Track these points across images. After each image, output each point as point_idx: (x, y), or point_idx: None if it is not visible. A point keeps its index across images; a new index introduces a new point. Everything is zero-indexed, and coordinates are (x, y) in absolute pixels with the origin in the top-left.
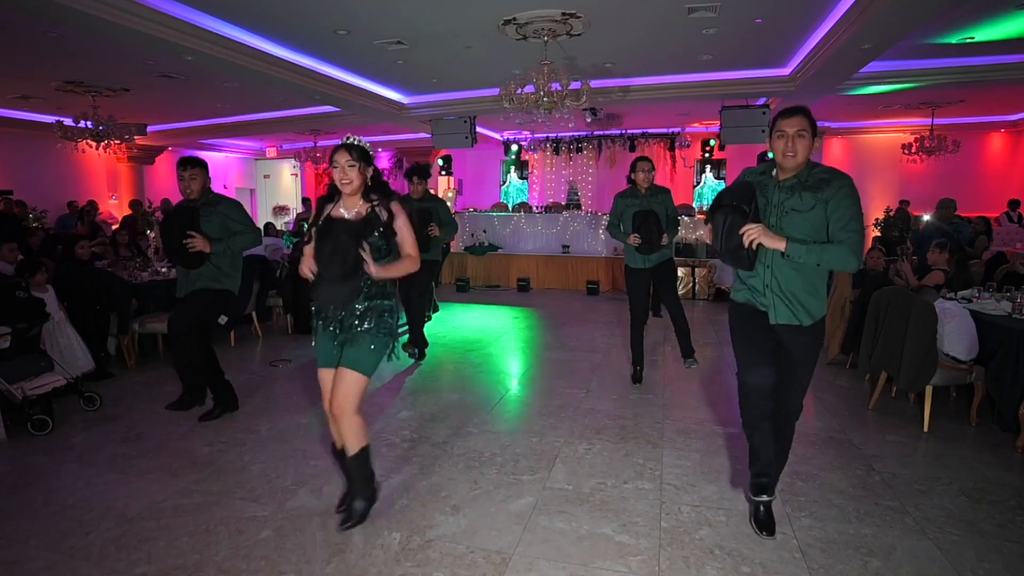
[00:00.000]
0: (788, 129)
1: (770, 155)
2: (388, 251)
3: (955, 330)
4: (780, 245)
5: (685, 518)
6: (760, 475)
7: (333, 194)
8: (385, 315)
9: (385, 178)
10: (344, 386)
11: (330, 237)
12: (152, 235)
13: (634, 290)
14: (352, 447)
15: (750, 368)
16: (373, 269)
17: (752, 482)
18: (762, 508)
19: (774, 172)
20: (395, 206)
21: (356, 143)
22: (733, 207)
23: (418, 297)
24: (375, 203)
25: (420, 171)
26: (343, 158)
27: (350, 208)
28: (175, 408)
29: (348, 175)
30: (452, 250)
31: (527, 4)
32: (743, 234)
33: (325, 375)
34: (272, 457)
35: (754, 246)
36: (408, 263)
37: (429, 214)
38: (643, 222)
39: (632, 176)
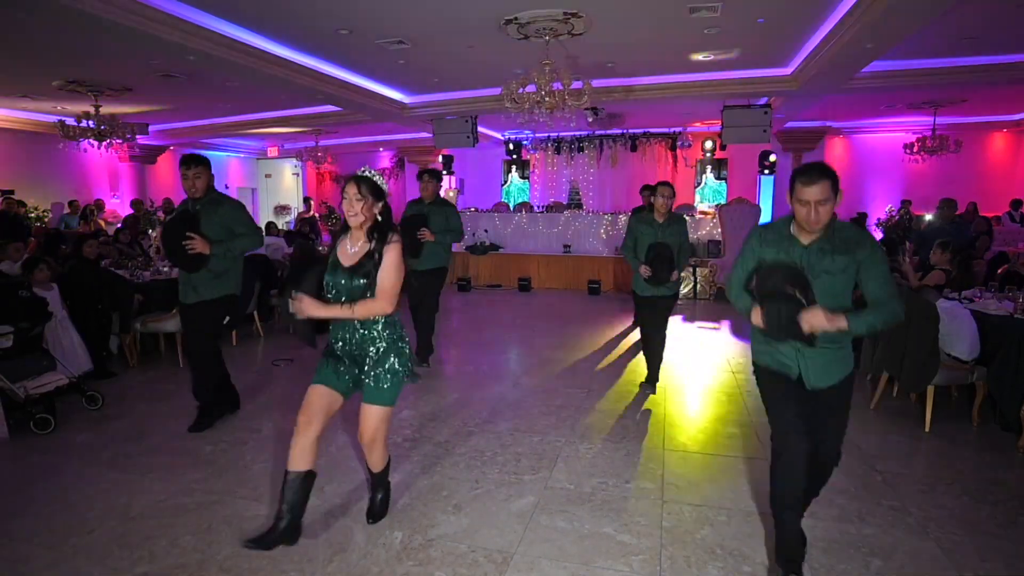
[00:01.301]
0: (810, 198)
1: (768, 161)
2: (368, 289)
3: (956, 330)
4: (842, 324)
5: (686, 517)
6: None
7: (346, 226)
8: (399, 344)
9: (386, 178)
10: (374, 420)
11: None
12: (154, 234)
13: (641, 313)
14: (379, 466)
15: (789, 436)
16: (355, 313)
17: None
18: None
19: (793, 230)
20: (387, 249)
21: (368, 176)
22: (786, 297)
23: (429, 309)
24: (372, 245)
25: (432, 171)
26: (351, 190)
27: (355, 242)
28: (196, 429)
29: (354, 207)
30: (453, 250)
31: (529, 3)
32: (802, 323)
33: (318, 391)
34: (274, 456)
35: (817, 332)
36: (373, 304)
37: (423, 219)
38: (657, 257)
39: (651, 199)
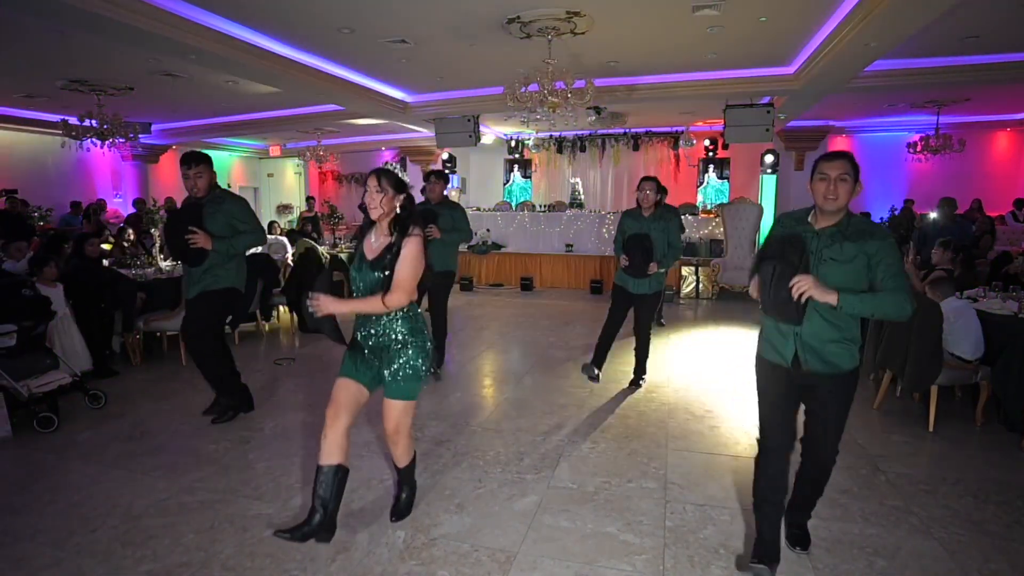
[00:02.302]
0: (831, 172)
1: (767, 161)
2: (388, 283)
3: (961, 329)
4: (832, 299)
5: (690, 517)
6: (759, 556)
7: (372, 220)
8: (418, 338)
9: None
10: (396, 415)
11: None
12: (157, 233)
13: (615, 305)
14: (404, 461)
15: (773, 436)
16: (369, 306)
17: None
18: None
19: (810, 219)
20: (406, 242)
21: (389, 169)
22: (781, 258)
23: (441, 315)
24: (392, 240)
25: (438, 172)
26: (372, 182)
27: (379, 236)
28: (217, 420)
29: (374, 199)
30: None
31: (532, 2)
32: (792, 287)
33: (344, 383)
34: (277, 455)
35: (803, 299)
36: (389, 297)
37: (431, 217)
38: (635, 246)
39: (637, 196)
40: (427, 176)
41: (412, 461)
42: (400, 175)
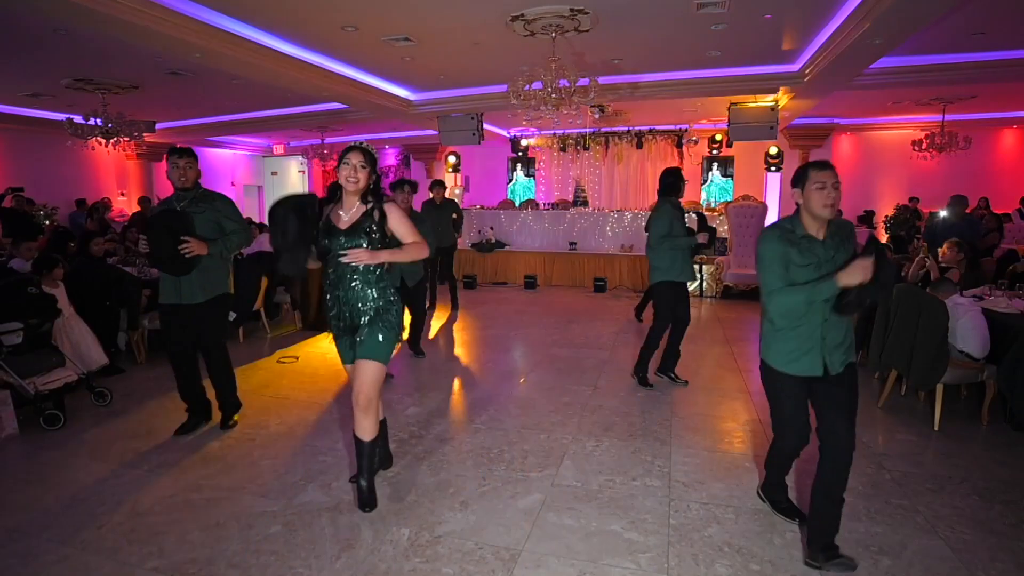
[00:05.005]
0: (828, 180)
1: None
2: (385, 246)
3: (968, 326)
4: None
5: (694, 515)
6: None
7: (333, 195)
8: (390, 310)
9: (392, 175)
10: (365, 375)
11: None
12: None
13: (666, 305)
14: (369, 435)
15: (790, 439)
16: (364, 256)
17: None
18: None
19: (811, 232)
20: (387, 206)
21: (365, 147)
22: (880, 249)
23: (416, 312)
24: (369, 206)
25: (412, 183)
26: (356, 158)
27: (348, 208)
28: (183, 431)
29: (357, 175)
30: (459, 247)
31: (535, 0)
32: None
33: (349, 369)
34: (281, 453)
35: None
36: (414, 248)
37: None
38: (704, 226)
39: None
40: (394, 186)
41: (378, 438)
42: (373, 151)
